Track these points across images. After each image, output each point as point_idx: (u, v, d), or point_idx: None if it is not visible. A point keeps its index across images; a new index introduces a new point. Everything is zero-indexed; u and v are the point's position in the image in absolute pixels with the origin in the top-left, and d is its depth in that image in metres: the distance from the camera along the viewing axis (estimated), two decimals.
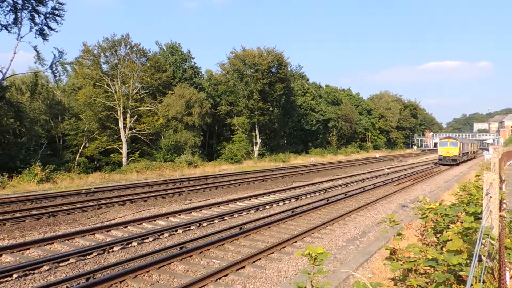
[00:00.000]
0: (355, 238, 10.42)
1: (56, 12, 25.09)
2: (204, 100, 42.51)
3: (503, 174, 16.42)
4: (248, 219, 12.49)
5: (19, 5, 23.55)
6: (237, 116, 48.44)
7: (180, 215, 13.23)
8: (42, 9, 24.60)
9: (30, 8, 24.04)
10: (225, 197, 17.56)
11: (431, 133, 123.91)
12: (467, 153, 47.87)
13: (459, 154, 40.26)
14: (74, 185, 21.45)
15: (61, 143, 36.57)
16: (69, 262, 8.04)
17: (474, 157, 57.96)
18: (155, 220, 12.26)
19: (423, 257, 4.15)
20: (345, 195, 18.00)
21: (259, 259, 8.42)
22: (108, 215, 13.22)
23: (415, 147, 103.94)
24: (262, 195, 17.91)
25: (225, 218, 12.76)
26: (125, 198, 16.11)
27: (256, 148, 46.89)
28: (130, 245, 9.44)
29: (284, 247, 9.40)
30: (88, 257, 8.43)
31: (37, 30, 24.54)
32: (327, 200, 16.31)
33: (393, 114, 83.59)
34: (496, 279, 3.81)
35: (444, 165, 39.70)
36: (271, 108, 46.67)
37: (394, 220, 5.10)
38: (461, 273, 3.49)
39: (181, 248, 8.93)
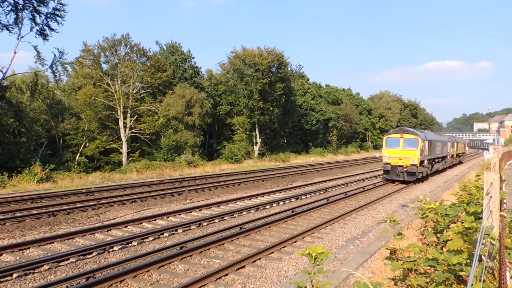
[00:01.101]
0: (355, 237, 10.41)
1: (57, 13, 25.06)
2: (205, 100, 42.51)
3: (503, 174, 16.41)
4: (248, 219, 12.48)
5: (20, 5, 23.53)
6: (237, 116, 48.42)
7: (180, 214, 13.22)
8: (43, 9, 24.59)
9: (31, 8, 24.00)
10: (225, 196, 17.56)
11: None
12: (443, 158, 30.49)
13: (421, 161, 22.46)
14: (74, 185, 21.45)
15: (61, 142, 36.56)
16: (69, 261, 8.04)
17: (460, 162, 42.95)
18: (155, 220, 12.26)
19: (423, 257, 4.15)
20: (345, 194, 17.99)
21: (259, 258, 8.42)
22: (108, 215, 13.22)
23: None
24: (262, 194, 17.91)
25: (225, 218, 12.76)
26: (125, 198, 16.11)
27: (256, 148, 46.88)
28: (130, 244, 9.44)
29: (284, 246, 9.40)
30: (88, 256, 8.43)
31: (37, 30, 24.51)
32: (327, 200, 16.30)
33: (393, 114, 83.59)
34: (496, 279, 3.81)
35: (393, 181, 23.21)
36: (271, 108, 46.65)
37: (394, 219, 5.10)
38: (461, 273, 3.49)
39: (181, 248, 8.93)
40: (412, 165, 22.02)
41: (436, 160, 27.61)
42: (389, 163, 22.82)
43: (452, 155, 35.94)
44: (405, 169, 22.22)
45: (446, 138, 33.58)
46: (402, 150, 22.47)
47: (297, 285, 3.53)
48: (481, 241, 3.38)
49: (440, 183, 24.18)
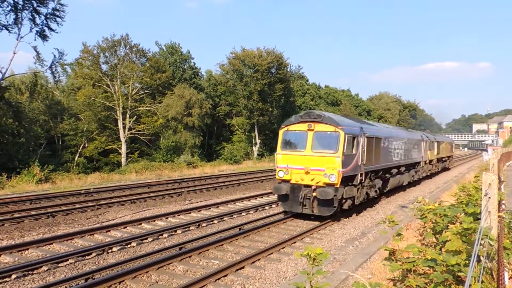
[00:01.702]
0: (354, 238, 10.42)
1: (57, 13, 25.07)
2: (204, 101, 42.55)
3: (502, 175, 16.45)
4: (247, 220, 12.48)
5: (20, 5, 23.53)
6: (237, 117, 48.46)
7: (179, 215, 13.22)
8: (42, 9, 24.60)
9: (31, 8, 24.02)
10: (224, 197, 17.55)
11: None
12: (412, 166, 20.76)
13: (346, 177, 11.79)
14: (73, 186, 21.43)
15: (60, 143, 36.54)
16: (68, 262, 8.02)
17: (446, 169, 34.57)
18: (154, 221, 12.25)
19: (422, 257, 4.16)
20: None
21: (258, 259, 8.42)
22: (107, 216, 13.20)
23: None
24: (261, 195, 17.90)
25: (224, 219, 12.75)
26: (124, 199, 16.10)
27: (256, 149, 46.90)
28: (129, 245, 9.43)
29: (284, 247, 9.41)
30: (87, 257, 8.42)
31: (37, 30, 24.52)
32: None
33: (392, 115, 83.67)
34: (494, 279, 3.82)
35: (295, 215, 12.62)
36: (270, 109, 46.69)
37: (393, 220, 5.11)
38: (459, 273, 3.50)
39: (180, 249, 8.93)
40: (327, 184, 11.29)
41: (393, 171, 16.94)
42: (287, 180, 12.04)
43: (431, 161, 25.79)
44: (313, 194, 11.51)
45: (417, 135, 22.87)
46: (310, 156, 11.72)
47: (296, 285, 3.54)
48: (479, 242, 3.39)
49: (439, 183, 24.09)
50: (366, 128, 13.61)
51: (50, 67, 26.27)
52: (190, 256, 8.46)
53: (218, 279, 7.16)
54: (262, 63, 43.59)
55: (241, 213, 13.66)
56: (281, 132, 12.78)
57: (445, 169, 34.62)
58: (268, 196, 18.08)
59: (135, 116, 37.54)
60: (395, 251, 4.43)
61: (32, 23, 24.22)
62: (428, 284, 3.72)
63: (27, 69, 41.04)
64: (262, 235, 10.61)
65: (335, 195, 11.30)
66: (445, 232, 4.96)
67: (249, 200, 16.75)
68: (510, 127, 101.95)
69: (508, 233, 4.96)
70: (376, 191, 14.84)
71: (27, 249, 8.95)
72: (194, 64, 49.66)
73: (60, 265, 7.87)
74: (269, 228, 11.33)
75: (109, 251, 8.91)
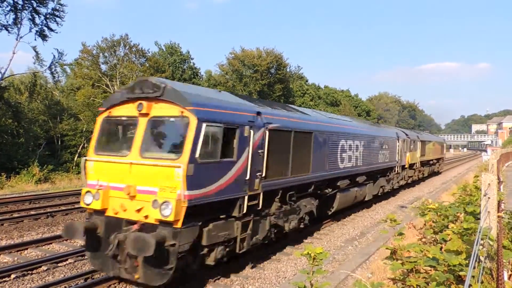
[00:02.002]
0: (354, 238, 10.43)
1: (57, 13, 25.07)
2: None
3: (501, 175, 16.47)
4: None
5: (20, 5, 23.52)
6: None
7: None
8: (42, 9, 24.60)
9: (31, 8, 24.01)
10: None
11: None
12: (380, 174, 15.67)
13: (194, 209, 5.69)
14: (73, 186, 21.42)
15: (59, 143, 36.47)
16: (67, 262, 8.01)
17: (435, 173, 29.92)
18: None
19: (423, 256, 4.16)
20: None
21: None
22: None
23: None
24: None
25: None
26: None
27: None
28: None
29: (283, 247, 9.40)
30: (86, 257, 8.41)
31: (37, 31, 24.51)
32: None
33: (392, 115, 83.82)
34: (494, 279, 3.82)
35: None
36: None
37: (395, 219, 5.11)
38: (461, 273, 3.50)
39: None
40: (161, 222, 5.62)
41: (341, 183, 11.57)
42: (100, 211, 6.26)
43: (412, 165, 20.88)
44: (133, 238, 5.41)
45: (388, 131, 17.61)
46: (137, 164, 6.04)
47: (296, 285, 3.54)
48: (478, 242, 3.40)
49: (438, 184, 23.98)
50: (272, 115, 7.88)
51: (50, 67, 26.31)
52: None
53: (218, 279, 7.15)
54: (261, 64, 43.62)
55: None
56: (98, 120, 7.03)
57: (434, 173, 29.49)
58: None
59: None
60: (396, 250, 4.43)
61: (31, 23, 24.22)
62: (429, 284, 3.72)
63: (27, 69, 40.96)
64: None
65: (172, 245, 5.62)
66: (445, 231, 4.97)
67: None
68: (509, 128, 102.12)
69: (508, 232, 4.97)
70: (303, 218, 9.44)
71: (26, 248, 8.94)
72: (194, 64, 49.65)
73: (59, 265, 7.86)
74: None
75: None
